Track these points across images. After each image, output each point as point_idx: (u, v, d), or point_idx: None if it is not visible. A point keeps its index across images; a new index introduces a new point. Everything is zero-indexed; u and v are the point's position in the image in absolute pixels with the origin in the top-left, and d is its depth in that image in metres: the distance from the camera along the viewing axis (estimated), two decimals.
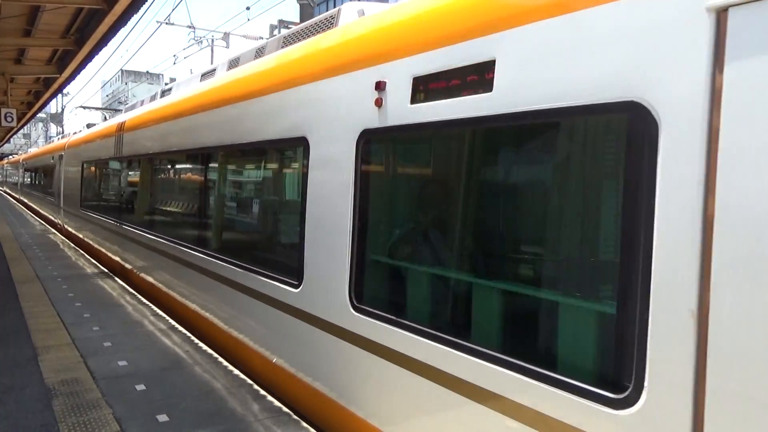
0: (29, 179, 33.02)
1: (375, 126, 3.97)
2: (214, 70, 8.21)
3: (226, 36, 24.94)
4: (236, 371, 5.60)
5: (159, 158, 9.42)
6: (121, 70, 68.65)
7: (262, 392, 5.07)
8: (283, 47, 6.12)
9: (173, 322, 7.40)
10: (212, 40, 25.81)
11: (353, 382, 4.20)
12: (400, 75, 3.79)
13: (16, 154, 57.20)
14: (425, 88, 3.60)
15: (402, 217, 4.54)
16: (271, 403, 4.86)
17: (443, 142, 3.97)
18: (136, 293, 9.16)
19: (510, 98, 3.04)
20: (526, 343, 3.24)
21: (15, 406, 4.68)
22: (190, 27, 24.61)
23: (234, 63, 7.54)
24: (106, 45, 11.86)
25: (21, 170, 37.88)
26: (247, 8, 23.03)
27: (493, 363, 3.07)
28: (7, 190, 50.94)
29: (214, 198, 7.24)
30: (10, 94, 17.02)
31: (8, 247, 14.34)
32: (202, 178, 7.45)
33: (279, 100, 5.33)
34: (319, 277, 4.56)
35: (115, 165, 12.50)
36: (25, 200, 33.98)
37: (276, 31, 16.98)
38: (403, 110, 3.74)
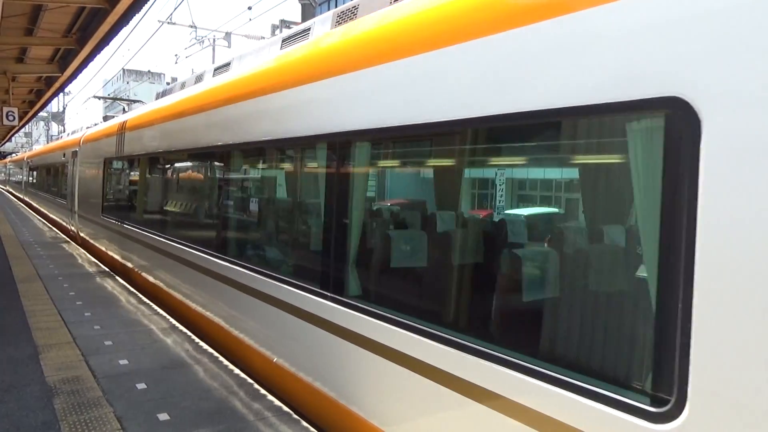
0: (35, 179, 31.87)
1: None
2: (308, 30, 6.08)
3: (227, 36, 25.02)
4: (237, 370, 5.62)
5: (246, 151, 6.64)
6: (123, 69, 68.70)
7: (263, 391, 5.09)
8: None
9: (174, 321, 7.41)
10: (214, 40, 25.88)
11: None
12: None
13: (18, 152, 57.16)
14: None
15: None
16: (272, 402, 4.87)
17: None
18: (136, 292, 9.18)
19: None
20: None
21: (16, 404, 4.69)
22: (191, 26, 24.68)
23: (347, 14, 5.27)
24: (107, 44, 11.90)
25: (26, 169, 37.20)
26: (249, 8, 23.10)
27: None
28: (11, 190, 50.48)
29: (364, 215, 4.64)
30: (11, 93, 17.08)
31: (9, 245, 14.37)
32: (344, 180, 4.56)
33: (575, 29, 2.78)
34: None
35: (163, 162, 9.65)
36: (29, 200, 33.45)
37: (277, 31, 17.02)
38: None
